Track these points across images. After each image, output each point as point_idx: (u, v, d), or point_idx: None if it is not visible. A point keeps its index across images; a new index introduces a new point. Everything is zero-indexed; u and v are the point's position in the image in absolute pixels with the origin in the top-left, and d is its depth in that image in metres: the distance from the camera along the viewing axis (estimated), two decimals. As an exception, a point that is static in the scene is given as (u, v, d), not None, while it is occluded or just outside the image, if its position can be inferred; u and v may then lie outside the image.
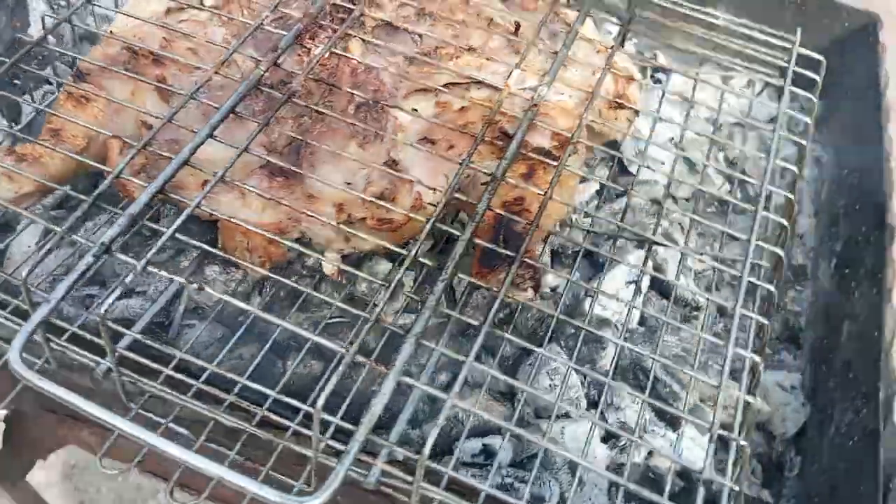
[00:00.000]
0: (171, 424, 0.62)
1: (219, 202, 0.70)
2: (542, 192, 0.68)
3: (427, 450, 0.52)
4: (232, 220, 0.65)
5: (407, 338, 0.57)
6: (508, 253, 0.64)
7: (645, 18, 0.93)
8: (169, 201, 0.65)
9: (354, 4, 0.83)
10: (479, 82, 0.78)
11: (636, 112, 0.81)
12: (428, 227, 0.64)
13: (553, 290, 0.91)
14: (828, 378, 0.88)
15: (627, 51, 0.86)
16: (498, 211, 0.68)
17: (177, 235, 0.62)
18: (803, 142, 0.89)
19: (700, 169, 1.08)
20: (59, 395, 0.52)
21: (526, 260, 0.64)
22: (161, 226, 0.64)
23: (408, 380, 0.55)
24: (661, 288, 0.94)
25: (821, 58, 0.89)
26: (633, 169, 1.04)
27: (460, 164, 0.69)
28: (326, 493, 0.48)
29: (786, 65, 0.85)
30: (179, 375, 0.62)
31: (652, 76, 1.19)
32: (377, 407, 0.53)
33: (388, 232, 0.68)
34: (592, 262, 0.96)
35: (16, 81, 0.99)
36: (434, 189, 0.68)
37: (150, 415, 0.63)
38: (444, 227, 0.65)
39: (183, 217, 0.62)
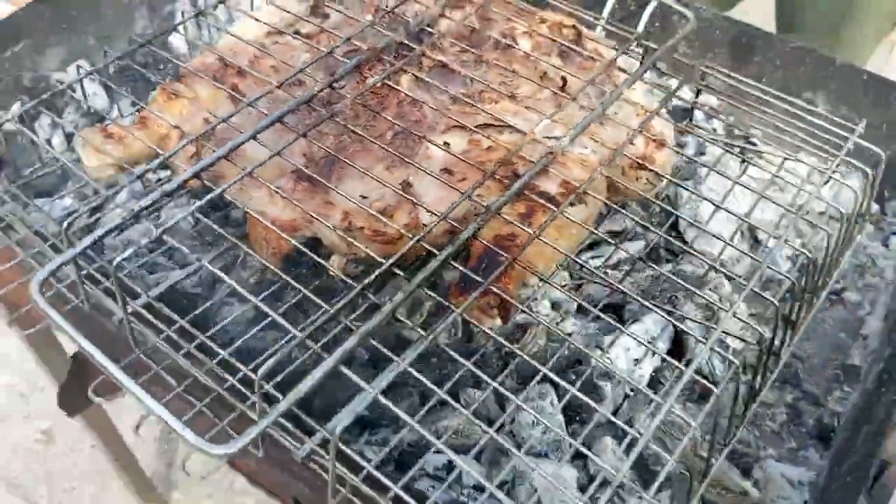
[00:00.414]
0: (161, 371, 0.71)
1: (251, 196, 0.79)
2: (535, 235, 0.73)
3: (338, 430, 0.57)
4: (249, 212, 0.75)
5: (357, 332, 0.63)
6: (477, 279, 0.68)
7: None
8: (205, 187, 0.76)
9: (419, 45, 0.91)
10: (511, 126, 0.83)
11: (658, 175, 0.82)
12: (411, 242, 0.70)
13: (569, 335, 0.93)
14: (837, 480, 0.83)
15: (667, 117, 0.88)
16: (485, 242, 0.72)
17: (208, 221, 0.73)
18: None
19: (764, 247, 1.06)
20: (61, 324, 0.62)
21: (492, 288, 0.68)
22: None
23: (343, 368, 0.61)
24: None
25: (880, 151, 0.86)
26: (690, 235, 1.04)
27: (462, 193, 0.75)
28: (238, 444, 0.55)
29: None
30: (176, 337, 0.71)
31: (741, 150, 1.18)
32: (305, 385, 0.58)
33: (382, 244, 0.75)
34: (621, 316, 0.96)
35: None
36: (432, 213, 0.74)
37: (151, 361, 0.73)
38: (428, 247, 0.70)
39: (205, 200, 0.72)
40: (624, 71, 0.91)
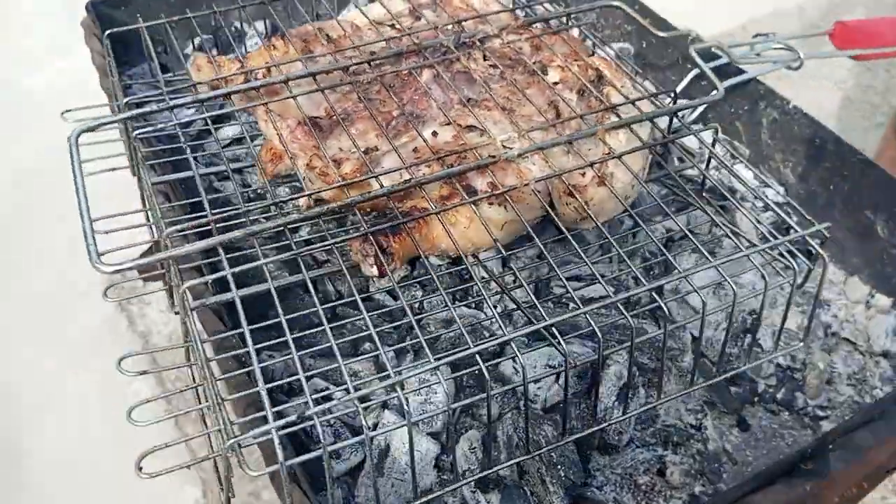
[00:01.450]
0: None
1: (269, 127, 0.99)
2: (435, 211, 0.84)
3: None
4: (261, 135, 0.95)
5: (246, 229, 0.79)
6: (366, 229, 0.81)
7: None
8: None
9: (459, 51, 1.05)
10: (484, 130, 0.94)
11: (586, 205, 0.87)
12: (330, 187, 0.85)
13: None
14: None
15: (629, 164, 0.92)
16: (399, 206, 0.85)
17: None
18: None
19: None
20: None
21: (372, 238, 0.81)
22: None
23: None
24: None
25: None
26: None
27: (405, 167, 0.88)
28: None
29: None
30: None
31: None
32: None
33: (330, 189, 0.89)
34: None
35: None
36: (371, 172, 0.88)
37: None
38: (347, 200, 0.85)
39: (216, 113, 0.94)
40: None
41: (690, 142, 1.26)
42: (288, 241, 0.85)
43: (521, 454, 0.81)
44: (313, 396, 0.68)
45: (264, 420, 0.64)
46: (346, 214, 1.03)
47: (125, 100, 0.97)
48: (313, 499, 0.70)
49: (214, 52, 1.44)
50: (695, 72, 1.22)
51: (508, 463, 0.81)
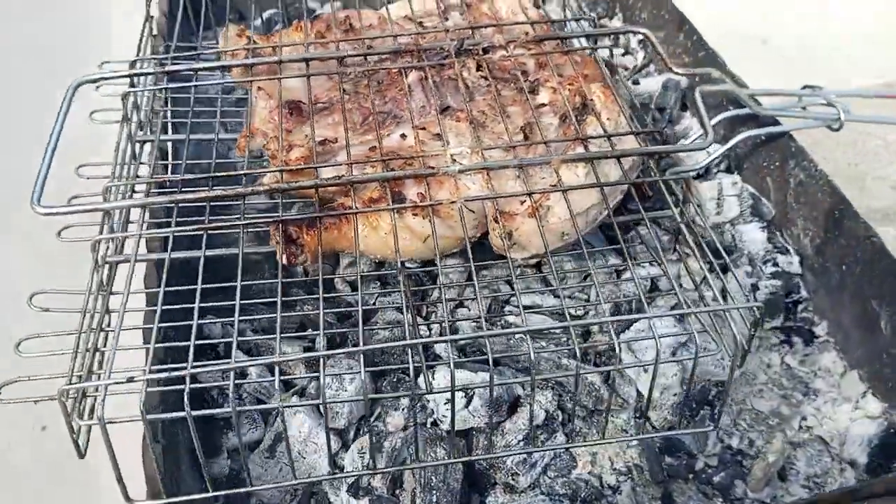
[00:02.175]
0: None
1: (259, 106, 1.03)
2: (354, 212, 0.84)
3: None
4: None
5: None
6: (280, 217, 0.83)
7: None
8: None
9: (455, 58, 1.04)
10: (442, 140, 0.93)
11: (510, 235, 0.84)
12: (271, 170, 0.88)
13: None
14: None
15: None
16: (334, 202, 0.86)
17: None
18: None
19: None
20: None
21: (290, 229, 0.83)
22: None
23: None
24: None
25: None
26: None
27: (346, 164, 0.89)
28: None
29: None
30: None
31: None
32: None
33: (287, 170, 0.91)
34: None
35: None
36: (314, 163, 0.90)
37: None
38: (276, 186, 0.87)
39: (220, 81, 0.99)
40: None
41: (709, 189, 1.17)
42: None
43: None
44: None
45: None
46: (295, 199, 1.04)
47: (136, 58, 1.04)
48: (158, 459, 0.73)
49: (280, 26, 1.50)
50: (725, 114, 1.12)
51: (385, 469, 0.81)
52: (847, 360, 1.04)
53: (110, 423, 0.67)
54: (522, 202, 0.87)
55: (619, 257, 1.07)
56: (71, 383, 0.69)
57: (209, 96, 1.25)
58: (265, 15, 1.53)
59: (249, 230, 0.92)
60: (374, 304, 1.05)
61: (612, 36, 1.15)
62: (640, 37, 1.46)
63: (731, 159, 1.23)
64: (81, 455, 0.74)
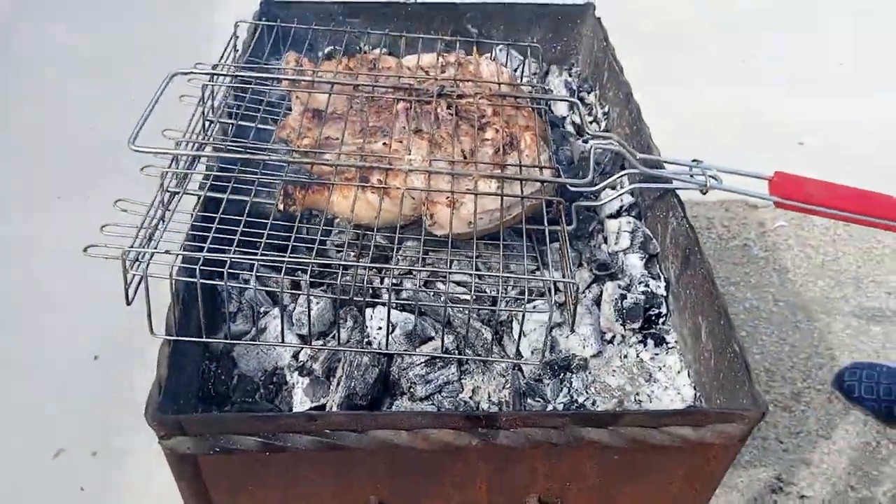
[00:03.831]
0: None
1: (295, 110, 1.47)
2: (331, 183, 1.26)
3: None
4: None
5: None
6: (284, 178, 1.26)
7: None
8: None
9: (435, 98, 1.46)
10: (407, 150, 1.34)
11: (431, 216, 1.24)
12: (287, 149, 1.31)
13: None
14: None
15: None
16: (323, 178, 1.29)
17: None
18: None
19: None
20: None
21: (288, 187, 1.25)
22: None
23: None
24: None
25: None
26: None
27: (336, 153, 1.31)
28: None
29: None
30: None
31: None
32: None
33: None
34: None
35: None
36: (315, 150, 1.32)
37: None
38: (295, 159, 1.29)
39: (273, 88, 1.43)
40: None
41: (613, 225, 1.55)
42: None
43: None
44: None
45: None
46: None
47: (217, 62, 1.50)
48: (177, 310, 1.15)
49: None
50: (627, 171, 1.51)
51: (322, 348, 1.21)
52: (684, 361, 1.39)
53: (151, 276, 1.09)
54: (447, 198, 1.27)
55: (533, 262, 1.45)
56: (130, 248, 1.11)
57: (261, 98, 1.71)
58: (327, 49, 1.99)
59: (264, 189, 1.35)
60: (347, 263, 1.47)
61: (549, 100, 1.56)
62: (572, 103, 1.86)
63: (640, 208, 1.61)
64: (128, 302, 1.16)
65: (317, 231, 1.40)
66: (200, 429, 1.05)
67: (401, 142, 1.38)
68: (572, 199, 1.45)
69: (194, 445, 1.04)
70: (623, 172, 1.47)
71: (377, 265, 1.28)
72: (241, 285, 1.39)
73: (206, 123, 1.47)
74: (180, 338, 1.15)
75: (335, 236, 1.50)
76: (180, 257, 1.17)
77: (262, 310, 1.38)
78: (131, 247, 1.13)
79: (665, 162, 1.50)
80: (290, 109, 1.54)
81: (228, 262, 1.12)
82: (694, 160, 1.49)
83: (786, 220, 3.20)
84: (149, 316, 1.12)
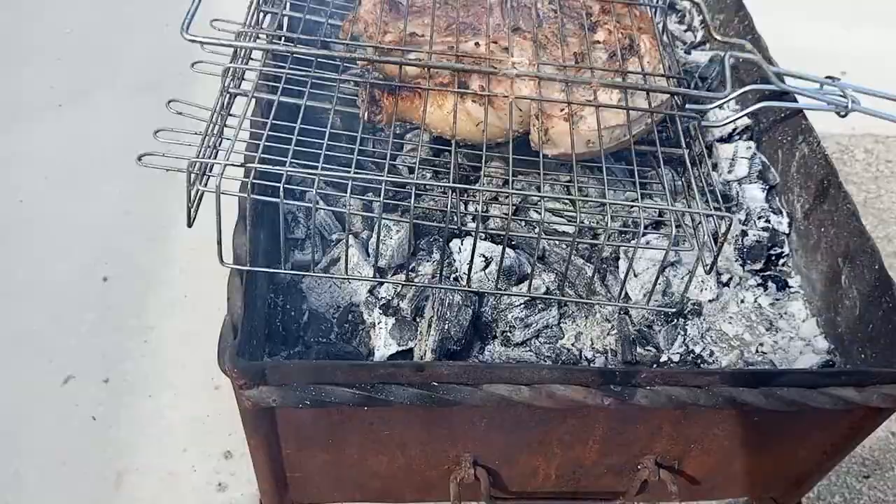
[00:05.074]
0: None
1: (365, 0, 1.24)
2: (426, 88, 1.05)
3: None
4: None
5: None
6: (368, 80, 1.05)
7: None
8: None
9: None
10: (506, 50, 1.13)
11: (546, 132, 1.04)
12: (369, 44, 1.09)
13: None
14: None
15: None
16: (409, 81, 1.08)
17: None
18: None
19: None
20: None
21: (374, 91, 1.04)
22: None
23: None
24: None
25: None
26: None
27: (427, 52, 1.10)
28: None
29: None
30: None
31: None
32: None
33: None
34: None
35: None
36: (402, 48, 1.11)
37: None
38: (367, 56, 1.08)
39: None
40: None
41: (727, 150, 1.35)
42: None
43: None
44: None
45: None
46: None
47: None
48: (248, 234, 0.96)
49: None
50: (753, 86, 1.30)
51: (407, 283, 1.03)
52: (810, 309, 1.22)
53: (224, 194, 0.89)
54: (562, 110, 1.07)
55: (633, 190, 1.26)
56: (198, 157, 0.91)
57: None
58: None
59: (341, 99, 1.14)
60: (424, 186, 1.27)
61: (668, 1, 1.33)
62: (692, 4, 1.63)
63: (753, 131, 1.41)
64: (190, 224, 0.96)
65: (385, 145, 1.20)
66: (288, 378, 0.87)
67: (496, 42, 1.16)
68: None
69: (281, 397, 0.87)
70: (748, 87, 1.26)
71: (474, 188, 1.07)
72: (335, 209, 1.19)
73: (261, 14, 1.24)
74: (256, 268, 0.96)
75: (407, 153, 1.30)
76: (251, 171, 0.97)
77: (333, 237, 1.18)
78: (198, 156, 0.92)
79: (793, 76, 1.29)
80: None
81: (317, 180, 0.92)
82: (828, 77, 1.28)
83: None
84: (219, 241, 0.92)
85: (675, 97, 1.14)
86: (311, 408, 0.89)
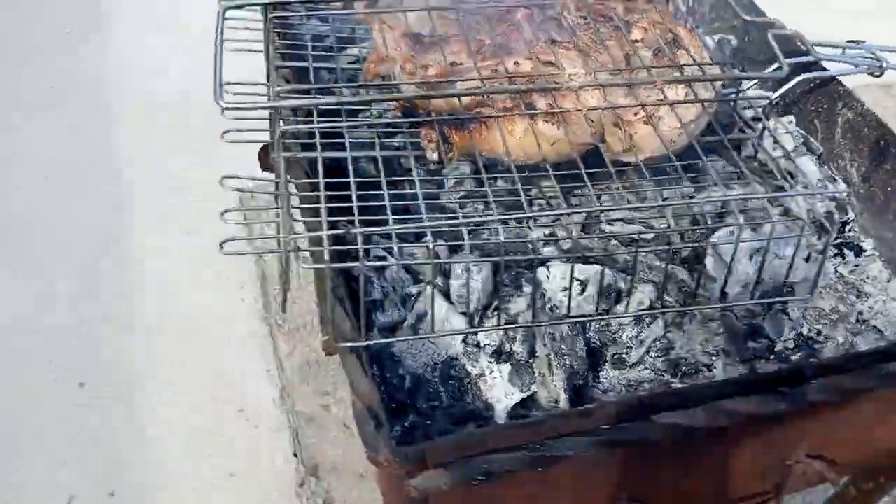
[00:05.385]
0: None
1: (379, 35, 1.16)
2: (496, 116, 0.98)
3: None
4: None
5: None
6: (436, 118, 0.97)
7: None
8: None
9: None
10: (553, 64, 1.07)
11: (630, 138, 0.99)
12: (412, 82, 1.01)
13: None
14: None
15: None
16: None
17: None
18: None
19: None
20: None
21: (437, 126, 0.96)
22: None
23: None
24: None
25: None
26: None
27: (479, 79, 1.03)
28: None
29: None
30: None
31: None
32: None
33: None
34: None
35: None
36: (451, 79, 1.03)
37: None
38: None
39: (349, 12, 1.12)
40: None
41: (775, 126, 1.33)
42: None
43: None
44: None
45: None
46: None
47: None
48: (349, 308, 0.85)
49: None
50: (795, 59, 1.28)
51: (516, 325, 0.94)
52: (891, 268, 1.21)
53: (335, 267, 0.79)
54: (636, 113, 1.02)
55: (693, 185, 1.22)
56: (293, 235, 0.81)
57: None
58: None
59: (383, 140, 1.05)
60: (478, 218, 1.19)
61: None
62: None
63: (779, 106, 1.40)
64: (284, 309, 0.86)
65: (422, 185, 1.11)
66: (450, 455, 0.77)
67: (537, 58, 1.11)
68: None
69: (451, 478, 0.76)
70: (792, 60, 1.24)
71: (547, 212, 1.00)
72: (414, 262, 1.09)
73: (274, 68, 1.15)
74: (373, 341, 0.86)
75: (451, 187, 1.21)
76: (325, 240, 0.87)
77: (412, 290, 1.09)
78: (292, 233, 0.82)
79: (820, 45, 1.28)
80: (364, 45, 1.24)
81: (393, 234, 0.83)
82: (850, 41, 1.28)
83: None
84: (333, 321, 0.82)
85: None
86: (479, 482, 0.79)
